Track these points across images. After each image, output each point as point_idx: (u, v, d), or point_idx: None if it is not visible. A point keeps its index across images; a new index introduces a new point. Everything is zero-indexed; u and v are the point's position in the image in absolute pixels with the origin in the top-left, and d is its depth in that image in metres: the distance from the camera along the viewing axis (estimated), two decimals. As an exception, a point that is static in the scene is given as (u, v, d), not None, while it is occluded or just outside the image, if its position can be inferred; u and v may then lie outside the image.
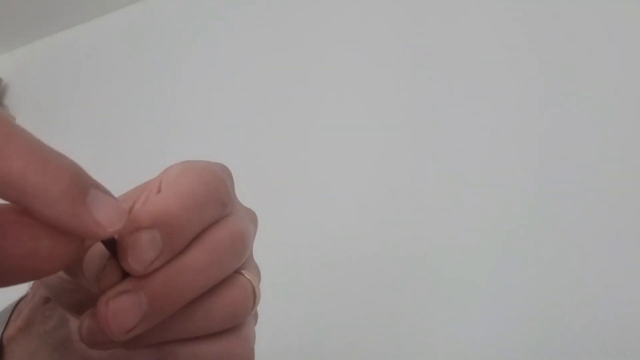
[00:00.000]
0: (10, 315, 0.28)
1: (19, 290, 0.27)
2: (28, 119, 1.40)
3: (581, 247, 0.75)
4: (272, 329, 0.69)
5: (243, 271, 0.24)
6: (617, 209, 0.75)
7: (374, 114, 0.96)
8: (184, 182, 0.21)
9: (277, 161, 1.02)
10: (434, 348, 0.79)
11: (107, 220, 0.17)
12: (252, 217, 0.27)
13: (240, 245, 0.22)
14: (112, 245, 0.19)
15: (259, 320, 0.28)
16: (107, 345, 0.19)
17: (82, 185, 0.17)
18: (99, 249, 0.20)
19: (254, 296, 0.23)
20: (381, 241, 0.86)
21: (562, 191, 0.78)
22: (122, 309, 0.18)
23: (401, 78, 0.96)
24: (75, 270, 0.21)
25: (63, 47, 1.42)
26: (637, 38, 0.80)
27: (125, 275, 0.19)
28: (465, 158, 0.86)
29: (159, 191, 0.23)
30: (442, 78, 0.92)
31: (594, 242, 0.75)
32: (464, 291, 0.80)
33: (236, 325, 0.22)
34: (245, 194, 1.11)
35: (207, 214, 0.21)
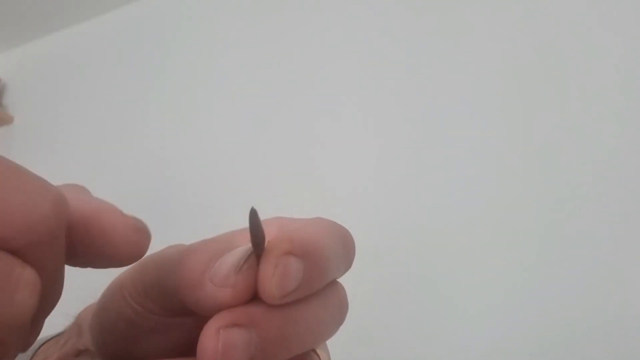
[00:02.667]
0: (32, 356, 0.25)
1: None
2: (26, 118, 1.39)
3: (585, 249, 0.75)
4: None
5: (318, 351, 0.21)
6: (622, 210, 0.75)
7: (376, 117, 0.96)
8: (326, 228, 0.19)
9: (277, 160, 1.02)
10: (434, 348, 0.79)
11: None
12: None
13: (343, 316, 0.20)
14: (260, 249, 0.17)
15: None
16: None
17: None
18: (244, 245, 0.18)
19: None
20: (381, 241, 0.86)
21: (566, 193, 0.78)
22: (232, 345, 0.16)
23: (403, 80, 0.95)
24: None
25: (61, 46, 1.41)
26: (637, 38, 0.80)
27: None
28: (467, 160, 0.86)
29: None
30: (445, 79, 0.92)
31: (598, 244, 0.75)
32: (464, 291, 0.80)
33: None
34: (244, 193, 1.11)
35: (339, 268, 0.20)
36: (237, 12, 1.17)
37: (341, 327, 0.20)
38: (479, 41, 0.90)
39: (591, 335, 0.71)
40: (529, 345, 0.74)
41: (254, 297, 0.17)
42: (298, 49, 1.07)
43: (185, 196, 1.08)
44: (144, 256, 0.19)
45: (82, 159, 1.25)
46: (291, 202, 0.96)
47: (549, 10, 0.86)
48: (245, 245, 0.17)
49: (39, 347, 0.24)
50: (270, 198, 0.97)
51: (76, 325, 0.23)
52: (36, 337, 0.21)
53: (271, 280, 0.16)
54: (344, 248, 0.19)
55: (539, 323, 0.74)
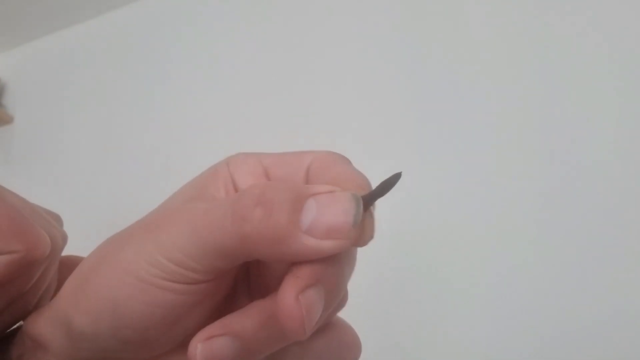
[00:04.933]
0: None
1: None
2: (26, 118, 1.39)
3: (584, 249, 0.75)
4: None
5: None
6: (622, 210, 0.75)
7: (375, 114, 0.96)
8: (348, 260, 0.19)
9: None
10: (434, 348, 0.79)
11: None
12: None
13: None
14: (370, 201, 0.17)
15: None
16: None
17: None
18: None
19: None
20: (381, 241, 0.86)
21: (565, 192, 0.78)
22: (312, 307, 0.16)
23: (402, 76, 0.95)
24: None
25: (61, 46, 1.41)
26: (636, 40, 0.80)
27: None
28: (468, 159, 0.86)
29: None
30: (445, 76, 0.92)
31: (597, 243, 0.75)
32: (465, 292, 0.80)
33: None
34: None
35: (340, 302, 0.20)
36: (237, 12, 1.17)
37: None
38: (480, 40, 0.90)
39: (592, 335, 0.71)
40: (530, 345, 0.74)
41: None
42: (298, 50, 1.08)
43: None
44: (157, 226, 0.18)
45: (82, 159, 1.25)
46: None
47: (550, 10, 0.86)
48: (349, 191, 0.17)
49: None
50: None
51: (30, 340, 0.20)
52: None
53: (371, 233, 0.17)
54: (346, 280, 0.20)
55: (540, 323, 0.74)
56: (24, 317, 0.23)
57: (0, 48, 1.50)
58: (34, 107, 1.40)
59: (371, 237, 0.17)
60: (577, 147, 0.79)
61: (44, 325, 0.20)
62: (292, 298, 0.16)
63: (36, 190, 1.29)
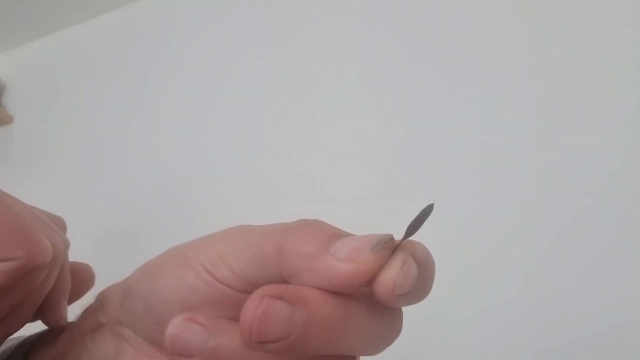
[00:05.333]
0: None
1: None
2: (26, 118, 1.39)
3: (583, 249, 0.75)
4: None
5: None
6: (626, 211, 0.75)
7: (374, 114, 0.96)
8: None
9: (277, 160, 1.02)
10: (434, 349, 0.79)
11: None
12: None
13: (393, 338, 0.20)
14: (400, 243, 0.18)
15: None
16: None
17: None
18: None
19: None
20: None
21: (562, 191, 0.78)
22: (272, 315, 0.16)
23: (401, 76, 0.95)
24: None
25: (61, 46, 1.41)
26: (634, 38, 0.80)
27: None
28: (468, 159, 0.86)
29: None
30: (442, 76, 0.92)
31: (595, 242, 0.75)
32: (465, 292, 0.80)
33: None
34: (244, 193, 1.11)
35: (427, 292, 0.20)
36: (237, 13, 1.17)
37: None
38: (482, 39, 0.90)
39: (593, 337, 0.71)
40: (530, 345, 0.74)
41: (366, 284, 0.17)
42: (299, 51, 1.08)
43: (186, 196, 1.08)
44: (214, 233, 0.21)
45: (82, 159, 1.25)
46: (292, 203, 0.96)
47: (548, 9, 0.86)
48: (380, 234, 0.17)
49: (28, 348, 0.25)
50: (270, 197, 0.97)
51: (97, 301, 0.24)
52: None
53: (397, 273, 0.16)
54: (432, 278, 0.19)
55: (540, 324, 0.74)
56: (26, 323, 0.24)
57: (0, 48, 1.50)
58: (34, 107, 1.40)
59: (403, 286, 0.17)
60: (577, 147, 0.79)
61: (111, 290, 0.23)
62: (258, 294, 0.16)
63: (36, 190, 1.29)
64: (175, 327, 0.18)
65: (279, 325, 0.16)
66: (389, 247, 0.17)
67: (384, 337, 0.19)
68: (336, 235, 0.17)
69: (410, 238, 0.18)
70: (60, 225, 0.26)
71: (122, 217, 1.13)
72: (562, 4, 0.85)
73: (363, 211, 0.89)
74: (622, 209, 0.74)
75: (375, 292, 0.17)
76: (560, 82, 0.83)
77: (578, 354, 0.71)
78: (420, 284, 0.17)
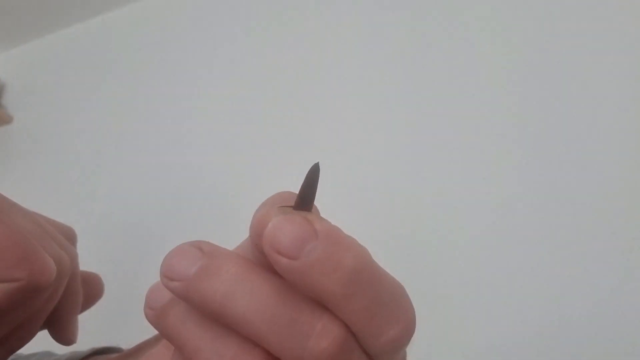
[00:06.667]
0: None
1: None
2: (26, 118, 1.39)
3: (584, 249, 0.75)
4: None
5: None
6: (626, 209, 0.75)
7: (376, 113, 0.96)
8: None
9: (277, 160, 1.02)
10: (434, 348, 0.79)
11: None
12: None
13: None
14: (302, 206, 0.18)
15: None
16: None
17: None
18: None
19: None
20: (381, 241, 0.86)
21: (565, 192, 0.78)
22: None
23: (403, 76, 0.96)
24: None
25: (61, 46, 1.41)
26: (634, 39, 0.80)
27: None
28: (467, 159, 0.86)
29: None
30: (444, 76, 0.92)
31: (598, 241, 0.75)
32: (465, 291, 0.80)
33: None
34: (244, 193, 1.11)
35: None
36: (237, 13, 1.17)
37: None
38: (482, 39, 0.90)
39: (592, 336, 0.71)
40: (530, 345, 0.74)
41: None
42: (299, 51, 1.08)
43: (186, 196, 1.08)
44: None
45: (82, 159, 1.25)
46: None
47: (548, 10, 0.86)
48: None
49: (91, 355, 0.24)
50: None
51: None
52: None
53: (278, 219, 0.16)
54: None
55: (541, 323, 0.74)
56: (30, 339, 0.23)
57: (0, 48, 1.50)
58: (33, 107, 1.40)
59: (281, 238, 0.16)
60: (576, 147, 0.79)
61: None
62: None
63: (35, 190, 1.29)
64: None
65: (186, 262, 0.16)
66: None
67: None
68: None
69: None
70: (69, 236, 0.26)
71: (122, 217, 1.13)
72: (562, 4, 0.85)
73: (363, 211, 0.89)
74: (623, 208, 0.74)
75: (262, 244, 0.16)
76: (560, 82, 0.83)
77: (578, 354, 0.71)
78: (317, 257, 0.15)
